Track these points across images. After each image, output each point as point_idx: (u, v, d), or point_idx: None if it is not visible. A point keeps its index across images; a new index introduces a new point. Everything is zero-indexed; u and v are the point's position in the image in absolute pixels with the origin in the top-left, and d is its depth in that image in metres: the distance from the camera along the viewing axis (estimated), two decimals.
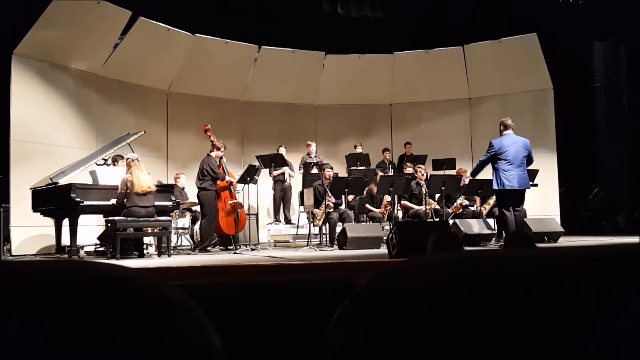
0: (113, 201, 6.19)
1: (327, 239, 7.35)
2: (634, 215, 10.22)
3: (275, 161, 8.55)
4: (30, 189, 6.63)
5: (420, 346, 0.43)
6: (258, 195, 7.98)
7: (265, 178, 8.92)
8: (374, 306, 0.47)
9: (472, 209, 8.05)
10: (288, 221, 9.35)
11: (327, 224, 7.38)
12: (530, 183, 6.76)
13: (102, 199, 6.28)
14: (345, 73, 10.51)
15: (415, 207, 7.87)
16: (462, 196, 7.94)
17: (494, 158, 6.29)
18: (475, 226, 7.32)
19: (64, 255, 6.36)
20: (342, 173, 9.28)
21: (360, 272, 3.98)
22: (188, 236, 7.99)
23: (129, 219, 6.01)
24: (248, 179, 7.42)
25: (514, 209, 6.28)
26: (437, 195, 8.02)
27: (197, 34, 9.42)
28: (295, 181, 9.33)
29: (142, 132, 7.53)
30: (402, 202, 8.07)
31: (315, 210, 7.50)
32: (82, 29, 8.04)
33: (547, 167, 9.47)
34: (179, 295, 0.48)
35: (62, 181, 6.30)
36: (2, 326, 0.41)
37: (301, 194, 8.56)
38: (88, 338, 0.42)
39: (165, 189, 6.96)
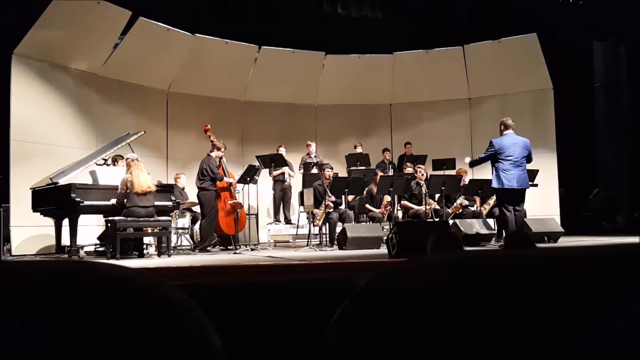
0: (113, 201, 6.19)
1: (327, 239, 7.35)
2: (634, 215, 10.22)
3: (275, 161, 8.55)
4: (30, 189, 6.63)
5: (420, 346, 0.43)
6: (258, 195, 7.98)
7: (265, 178, 8.92)
8: (374, 306, 0.47)
9: (472, 209, 8.05)
10: (288, 221, 9.35)
11: (327, 224, 7.38)
12: (530, 183, 6.77)
13: (102, 199, 6.28)
14: (345, 73, 10.51)
15: (415, 207, 7.87)
16: (462, 196, 7.93)
17: (493, 157, 6.29)
18: (475, 226, 7.32)
19: (64, 255, 6.36)
20: (342, 173, 9.28)
21: (360, 272, 3.98)
22: (188, 236, 7.99)
23: (129, 219, 6.01)
24: (248, 179, 7.42)
25: (514, 209, 6.28)
26: (437, 196, 8.02)
27: (197, 34, 9.42)
28: (295, 181, 9.33)
29: (142, 132, 7.53)
30: (402, 202, 8.07)
31: (315, 210, 7.50)
32: (82, 29, 8.04)
33: (547, 167, 9.48)
34: (179, 295, 0.48)
35: (62, 181, 6.30)
36: (2, 326, 0.41)
37: (301, 194, 8.56)
38: (88, 338, 0.42)
39: (165, 189, 6.96)
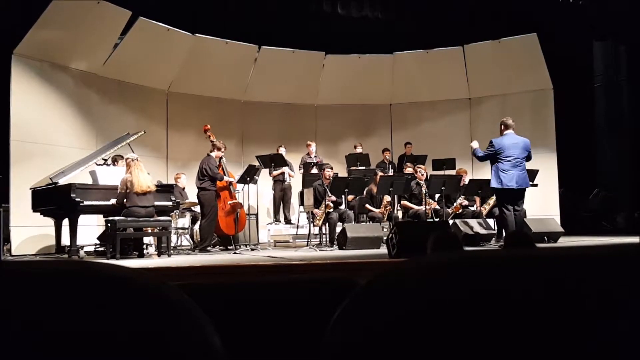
0: (113, 201, 6.19)
1: (327, 239, 7.35)
2: (634, 215, 10.22)
3: (275, 161, 8.55)
4: (30, 189, 6.63)
5: (420, 346, 0.43)
6: (258, 195, 7.98)
7: (265, 178, 8.92)
8: (374, 306, 0.47)
9: (472, 209, 8.05)
10: (288, 221, 9.35)
11: (327, 224, 7.38)
12: (530, 183, 6.77)
13: (102, 199, 6.28)
14: (345, 73, 10.51)
15: (415, 207, 7.87)
16: (462, 196, 7.93)
17: (493, 157, 6.30)
18: (475, 226, 7.32)
19: (64, 255, 6.36)
20: (342, 173, 9.28)
21: (360, 272, 3.98)
22: (188, 236, 7.99)
23: (129, 219, 6.01)
24: (248, 179, 7.42)
25: (514, 209, 6.28)
26: (437, 196, 8.02)
27: (197, 34, 9.42)
28: (295, 181, 9.33)
29: (142, 132, 7.53)
30: (402, 202, 8.07)
31: (315, 210, 7.50)
32: (82, 29, 8.04)
33: (547, 167, 9.48)
34: (179, 295, 0.48)
35: (62, 181, 6.30)
36: (2, 326, 0.41)
37: (301, 194, 8.56)
38: (88, 338, 0.42)
39: (165, 189, 6.96)
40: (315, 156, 9.51)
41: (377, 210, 8.08)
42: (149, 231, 6.47)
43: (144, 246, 6.63)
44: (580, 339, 0.42)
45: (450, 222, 7.23)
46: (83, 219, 6.45)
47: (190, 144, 9.51)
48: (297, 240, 8.73)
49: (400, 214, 8.17)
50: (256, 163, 8.15)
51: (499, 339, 0.42)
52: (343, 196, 7.50)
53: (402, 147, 10.17)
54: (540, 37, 9.89)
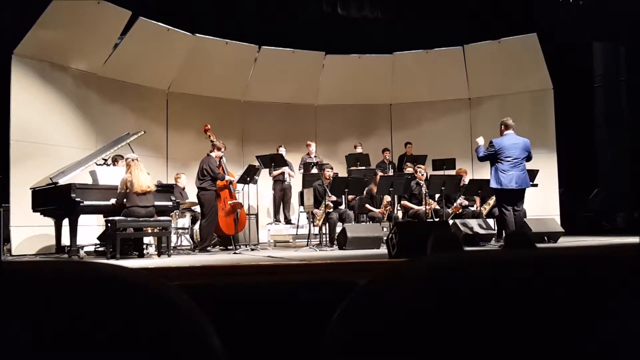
0: (113, 201, 6.19)
1: (327, 239, 7.35)
2: (634, 215, 10.22)
3: (275, 161, 8.55)
4: (30, 188, 6.63)
5: (420, 347, 0.43)
6: (258, 196, 7.98)
7: (265, 178, 8.92)
8: (374, 307, 0.47)
9: (472, 209, 8.05)
10: (288, 221, 9.35)
11: (327, 224, 7.38)
12: (530, 183, 6.77)
13: (102, 199, 6.28)
14: (345, 73, 10.51)
15: (415, 207, 7.87)
16: (462, 196, 7.93)
17: (493, 157, 6.30)
18: (475, 226, 7.32)
19: (64, 255, 6.36)
20: (342, 173, 9.28)
21: (360, 272, 3.98)
22: (188, 236, 7.99)
23: (129, 219, 6.01)
24: (248, 179, 7.42)
25: (513, 209, 6.28)
26: (437, 196, 8.02)
27: (197, 34, 9.42)
28: (295, 181, 9.33)
29: (142, 132, 7.53)
30: (402, 202, 8.07)
31: (315, 211, 7.50)
32: (82, 29, 8.04)
33: (547, 167, 9.48)
34: (179, 296, 0.48)
35: (62, 181, 6.29)
36: (2, 326, 0.41)
37: (301, 194, 8.56)
38: (88, 338, 0.42)
39: (165, 189, 6.96)
40: (315, 156, 9.51)
41: (377, 210, 8.08)
42: (149, 231, 6.47)
43: (144, 246, 6.63)
44: (580, 339, 0.42)
45: (450, 222, 7.23)
46: (83, 219, 6.45)
47: (190, 144, 9.51)
48: (297, 240, 8.73)
49: (400, 214, 8.17)
50: (256, 163, 8.15)
51: (499, 339, 0.42)
52: (343, 196, 7.50)
53: (402, 147, 10.17)
54: (540, 37, 9.89)
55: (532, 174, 7.38)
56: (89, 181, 6.66)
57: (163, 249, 6.38)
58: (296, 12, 10.12)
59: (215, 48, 9.67)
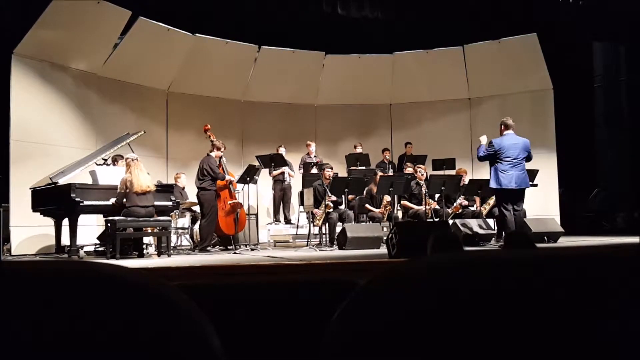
0: (112, 200, 6.20)
1: (327, 239, 7.35)
2: (634, 215, 10.22)
3: (275, 161, 8.55)
4: (30, 188, 6.63)
5: (420, 347, 0.43)
6: (258, 195, 7.98)
7: (265, 178, 8.92)
8: (374, 307, 0.47)
9: (472, 209, 8.05)
10: (288, 221, 9.35)
11: (327, 224, 7.38)
12: (530, 183, 6.76)
13: (101, 199, 6.28)
14: (345, 73, 10.51)
15: (415, 207, 7.87)
16: (462, 196, 7.93)
17: (493, 158, 6.30)
18: (475, 226, 7.32)
19: (63, 255, 6.35)
20: (342, 173, 9.28)
21: (360, 272, 3.98)
22: (188, 236, 7.99)
23: (129, 218, 6.00)
24: (248, 179, 7.42)
25: (513, 208, 6.28)
26: (436, 196, 8.02)
27: (197, 34, 9.42)
28: (295, 181, 9.33)
29: (142, 132, 7.53)
30: (402, 202, 8.07)
31: (315, 210, 7.50)
32: (82, 29, 8.04)
33: (547, 167, 9.48)
34: (178, 295, 0.48)
35: (62, 181, 6.29)
36: (2, 326, 0.41)
37: (301, 194, 8.56)
38: (88, 338, 0.42)
39: (165, 189, 6.96)
40: (315, 156, 9.51)
41: (377, 210, 8.08)
42: (149, 231, 6.47)
43: (144, 246, 6.63)
44: (580, 339, 0.42)
45: (450, 222, 7.23)
46: (83, 219, 6.45)
47: (190, 143, 9.51)
48: (297, 240, 8.73)
49: (400, 214, 8.17)
50: (256, 163, 8.15)
51: (500, 339, 0.42)
52: (343, 196, 7.50)
53: (402, 147, 10.18)
54: (540, 37, 9.89)
55: (532, 174, 7.38)
56: (89, 181, 6.66)
57: (163, 249, 6.38)
58: (296, 12, 10.12)
59: (215, 48, 9.67)
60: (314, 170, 8.84)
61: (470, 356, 0.42)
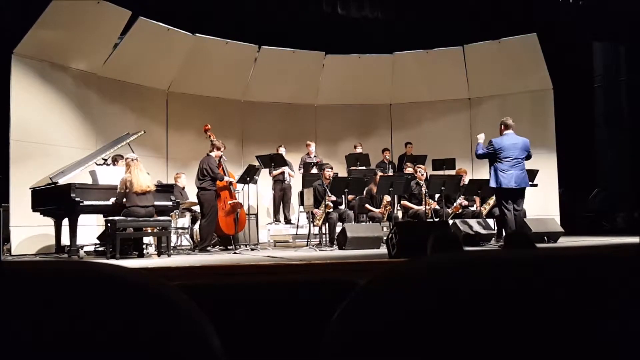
0: (112, 200, 6.20)
1: (327, 239, 7.35)
2: (634, 215, 10.22)
3: (275, 161, 8.56)
4: (30, 188, 6.63)
5: (420, 347, 0.43)
6: (258, 195, 7.98)
7: (265, 178, 8.92)
8: (374, 307, 0.47)
9: (472, 209, 8.05)
10: (288, 221, 9.35)
11: (327, 224, 7.38)
12: (530, 183, 6.76)
13: (101, 199, 6.28)
14: (345, 73, 10.51)
15: (415, 207, 7.87)
16: (462, 196, 7.93)
17: (492, 157, 6.30)
18: (475, 226, 7.32)
19: (63, 255, 6.35)
20: (342, 173, 9.28)
21: (360, 273, 3.98)
22: (188, 236, 7.99)
23: (129, 218, 6.00)
24: (248, 179, 7.42)
25: (514, 208, 6.28)
26: (436, 196, 8.02)
27: (197, 34, 9.42)
28: (295, 181, 9.33)
29: (142, 132, 7.53)
30: (402, 202, 8.07)
31: (315, 210, 7.50)
32: (82, 29, 8.04)
33: (547, 167, 9.48)
34: (178, 296, 0.48)
35: (62, 181, 6.29)
36: (2, 326, 0.41)
37: (301, 194, 8.56)
38: (88, 338, 0.42)
39: (165, 189, 6.96)
40: (314, 156, 9.51)
41: (377, 210, 8.08)
42: (149, 231, 6.47)
43: (144, 246, 6.63)
44: (580, 339, 0.42)
45: (450, 222, 7.23)
46: (83, 219, 6.45)
47: (190, 143, 9.51)
48: (297, 240, 8.73)
49: (400, 214, 8.17)
50: (256, 163, 8.15)
51: (500, 339, 0.42)
52: (343, 196, 7.50)
53: (402, 147, 10.18)
54: (540, 37, 9.89)
55: (532, 174, 7.38)
56: (89, 181, 6.66)
57: (163, 248, 6.38)
58: (296, 12, 10.12)
59: (215, 48, 9.67)
60: (314, 170, 8.84)
61: (470, 356, 0.42)
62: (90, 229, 7.42)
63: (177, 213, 7.54)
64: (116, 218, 5.91)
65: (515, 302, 0.44)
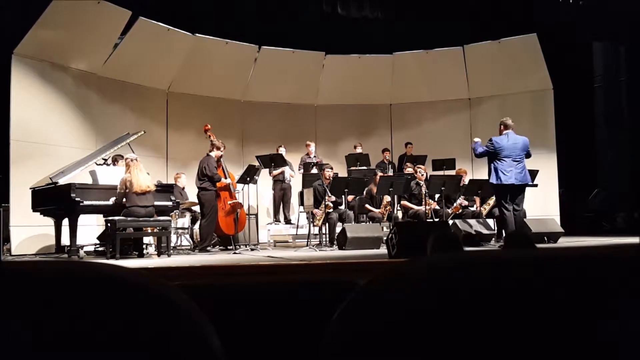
0: (112, 200, 6.20)
1: (327, 239, 7.35)
2: (634, 215, 10.22)
3: (275, 161, 8.56)
4: (30, 188, 6.63)
5: (420, 347, 0.43)
6: (258, 195, 7.98)
7: (265, 178, 8.92)
8: (374, 307, 0.47)
9: (472, 209, 8.05)
10: (288, 221, 9.35)
11: (327, 224, 7.38)
12: (530, 183, 6.76)
13: (101, 199, 6.28)
14: (345, 73, 10.51)
15: (415, 207, 7.87)
16: (462, 196, 7.93)
17: (491, 155, 6.29)
18: (475, 226, 7.33)
19: (63, 255, 6.35)
20: (342, 173, 9.28)
21: (360, 273, 3.98)
22: (188, 236, 7.99)
23: (129, 218, 6.00)
24: (248, 179, 7.43)
25: (513, 209, 6.28)
26: (436, 196, 8.02)
27: (197, 34, 9.42)
28: (295, 181, 9.33)
29: (142, 132, 7.53)
30: (402, 202, 8.07)
31: (315, 211, 7.50)
32: (82, 29, 8.04)
33: (547, 168, 9.48)
34: (178, 296, 0.48)
35: (62, 181, 6.29)
36: (2, 326, 0.41)
37: (301, 194, 8.56)
38: (88, 338, 0.42)
39: (165, 189, 6.96)
40: (314, 156, 9.51)
41: (377, 211, 8.08)
42: (149, 231, 6.47)
43: (144, 246, 6.63)
44: (580, 339, 0.42)
45: (450, 222, 7.24)
46: (83, 219, 6.45)
47: (190, 144, 9.51)
48: (297, 240, 8.73)
49: (400, 214, 8.17)
50: (256, 163, 8.15)
51: (500, 339, 0.42)
52: (343, 196, 7.50)
53: (402, 147, 10.18)
54: (540, 37, 9.89)
55: (532, 174, 7.36)
56: (89, 181, 6.66)
57: (163, 249, 6.38)
58: (296, 12, 10.12)
59: (215, 48, 9.67)
60: (314, 170, 8.85)
61: (470, 356, 0.42)
62: (90, 229, 7.42)
63: (177, 213, 7.54)
64: (116, 218, 5.91)
65: (515, 302, 0.44)
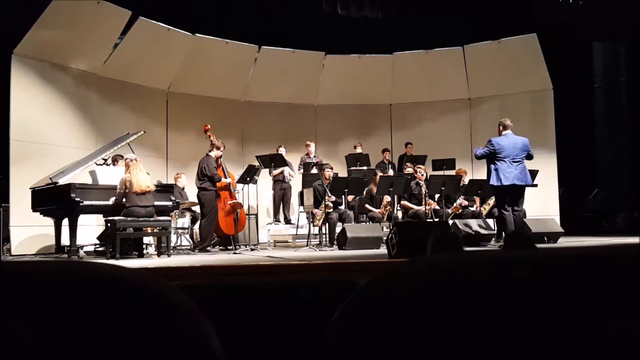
0: (112, 200, 6.20)
1: (327, 239, 7.35)
2: (634, 215, 10.22)
3: (275, 161, 8.56)
4: (30, 188, 6.63)
5: (420, 347, 0.43)
6: (258, 195, 7.98)
7: (265, 178, 8.92)
8: (374, 307, 0.47)
9: (472, 209, 8.05)
10: (288, 221, 9.35)
11: (327, 224, 7.38)
12: (530, 183, 6.76)
13: (101, 199, 6.28)
14: (345, 73, 10.51)
15: (415, 207, 7.87)
16: (462, 196, 7.94)
17: (491, 156, 6.29)
18: (475, 226, 7.32)
19: (63, 255, 6.35)
20: (342, 173, 9.28)
21: (360, 273, 3.98)
22: (188, 236, 7.99)
23: (129, 218, 6.00)
24: (248, 179, 7.42)
25: (513, 209, 6.27)
26: (436, 196, 8.02)
27: (197, 34, 9.42)
28: (295, 181, 9.33)
29: (142, 132, 7.53)
30: (402, 202, 8.07)
31: (315, 211, 7.50)
32: (82, 29, 8.04)
33: (547, 168, 9.48)
34: (178, 296, 0.48)
35: (62, 181, 6.29)
36: (2, 326, 0.41)
37: (301, 194, 8.56)
38: (88, 338, 0.42)
39: (165, 189, 6.96)
40: (314, 156, 9.51)
41: (377, 211, 8.08)
42: (149, 231, 6.47)
43: (144, 246, 6.63)
44: (581, 339, 0.42)
45: (450, 222, 7.23)
46: (83, 219, 6.45)
47: (190, 143, 9.51)
48: (297, 240, 8.73)
49: (400, 214, 8.17)
50: (256, 163, 8.15)
51: (500, 339, 0.42)
52: (343, 196, 7.50)
53: (402, 147, 10.18)
54: (540, 37, 9.89)
55: (532, 174, 7.36)
56: (89, 181, 6.66)
57: (163, 249, 6.38)
58: (296, 12, 10.12)
59: (215, 48, 9.67)
60: (314, 171, 8.85)
61: (470, 356, 0.42)
62: (90, 229, 7.42)
63: (177, 213, 7.54)
64: (116, 218, 5.91)
65: (515, 302, 0.44)
